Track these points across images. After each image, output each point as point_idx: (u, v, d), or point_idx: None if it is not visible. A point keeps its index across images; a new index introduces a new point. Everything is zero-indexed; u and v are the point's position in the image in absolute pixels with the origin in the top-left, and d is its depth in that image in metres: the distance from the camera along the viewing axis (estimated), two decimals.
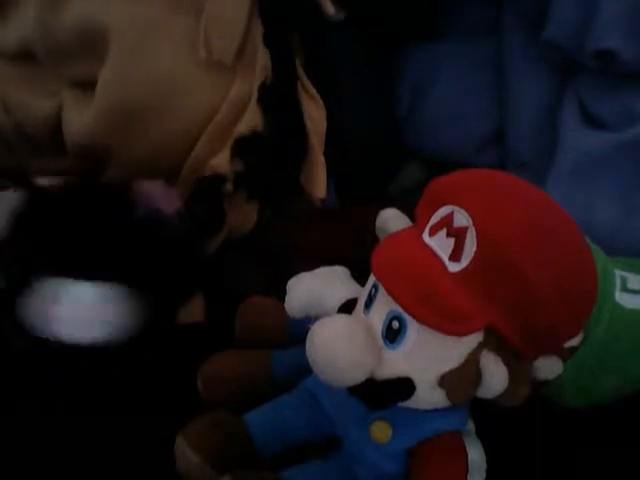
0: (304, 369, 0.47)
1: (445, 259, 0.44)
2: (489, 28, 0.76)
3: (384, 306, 0.45)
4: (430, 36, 0.78)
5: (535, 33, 0.69)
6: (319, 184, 0.68)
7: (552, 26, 0.68)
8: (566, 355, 0.49)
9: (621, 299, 0.53)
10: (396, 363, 0.44)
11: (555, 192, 0.64)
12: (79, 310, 0.55)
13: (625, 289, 0.53)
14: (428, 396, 0.45)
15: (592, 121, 0.69)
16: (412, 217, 0.49)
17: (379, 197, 0.76)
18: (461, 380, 0.45)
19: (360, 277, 0.50)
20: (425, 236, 0.45)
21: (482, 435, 0.50)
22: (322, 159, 0.68)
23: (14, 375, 0.57)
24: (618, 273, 0.54)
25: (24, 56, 0.69)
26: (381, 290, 0.45)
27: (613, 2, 0.65)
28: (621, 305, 0.53)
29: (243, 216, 0.68)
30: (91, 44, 0.65)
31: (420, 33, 0.77)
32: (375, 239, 0.50)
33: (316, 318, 0.46)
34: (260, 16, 0.65)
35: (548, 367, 0.47)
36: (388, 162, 0.79)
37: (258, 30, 0.65)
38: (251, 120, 0.66)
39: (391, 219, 0.51)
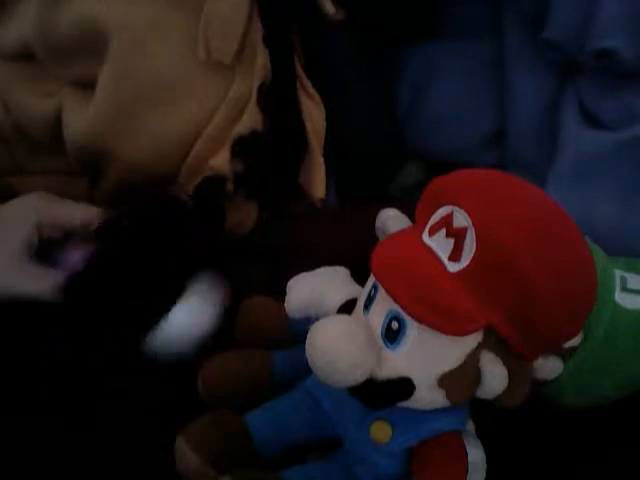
0: (304, 369, 0.47)
1: (445, 259, 0.44)
2: (489, 28, 0.76)
3: (384, 306, 0.45)
4: (430, 36, 0.78)
5: (535, 33, 0.69)
6: (318, 184, 0.68)
7: (552, 26, 0.68)
8: (566, 355, 0.49)
9: (621, 299, 0.53)
10: (396, 363, 0.44)
11: (555, 192, 0.64)
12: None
13: (625, 289, 0.53)
14: (428, 396, 0.45)
15: (592, 121, 0.69)
16: (412, 217, 0.49)
17: (379, 197, 0.76)
18: (461, 380, 0.45)
19: (360, 277, 0.50)
20: (425, 236, 0.45)
21: (482, 435, 0.50)
22: (321, 159, 0.68)
23: (15, 375, 0.57)
24: (618, 273, 0.54)
25: (24, 56, 0.69)
26: (381, 290, 0.45)
27: (613, 2, 0.65)
28: (621, 305, 0.53)
29: (242, 216, 0.68)
30: (91, 44, 0.64)
31: (420, 33, 0.77)
32: (375, 239, 0.50)
33: (316, 318, 0.46)
34: (259, 16, 0.65)
35: (548, 367, 0.47)
36: (388, 162, 0.79)
37: (257, 30, 0.65)
38: (250, 120, 0.65)
39: (391, 219, 0.51)
